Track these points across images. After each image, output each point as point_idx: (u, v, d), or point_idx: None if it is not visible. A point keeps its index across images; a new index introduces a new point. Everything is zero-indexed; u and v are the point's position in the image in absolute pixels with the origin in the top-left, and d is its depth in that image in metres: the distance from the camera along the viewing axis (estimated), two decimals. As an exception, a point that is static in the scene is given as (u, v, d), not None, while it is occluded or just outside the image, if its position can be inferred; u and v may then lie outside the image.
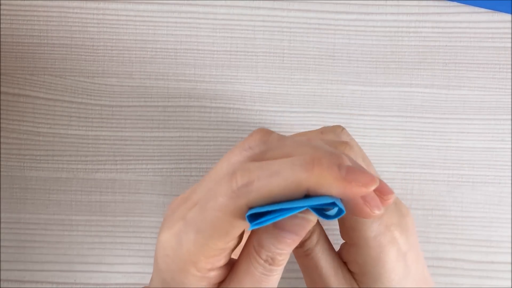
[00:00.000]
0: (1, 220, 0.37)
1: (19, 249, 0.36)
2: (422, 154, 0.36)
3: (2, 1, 0.37)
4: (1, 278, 0.36)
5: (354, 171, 0.19)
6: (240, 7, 0.37)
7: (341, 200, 0.20)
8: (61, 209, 0.37)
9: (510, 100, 0.37)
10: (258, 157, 0.21)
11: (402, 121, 0.37)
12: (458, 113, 0.37)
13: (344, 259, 0.26)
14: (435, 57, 0.37)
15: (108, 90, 0.37)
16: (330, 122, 0.37)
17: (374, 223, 0.24)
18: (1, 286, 0.36)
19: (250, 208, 0.20)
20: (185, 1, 0.37)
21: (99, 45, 0.37)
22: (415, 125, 0.37)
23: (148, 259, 0.37)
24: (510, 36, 0.37)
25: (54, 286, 0.36)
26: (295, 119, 0.36)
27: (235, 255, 0.23)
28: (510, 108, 0.37)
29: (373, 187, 0.19)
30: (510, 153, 0.36)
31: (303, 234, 0.21)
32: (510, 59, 0.37)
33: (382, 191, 0.21)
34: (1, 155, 0.37)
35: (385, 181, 0.23)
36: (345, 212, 0.20)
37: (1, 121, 0.37)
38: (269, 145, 0.21)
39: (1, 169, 0.37)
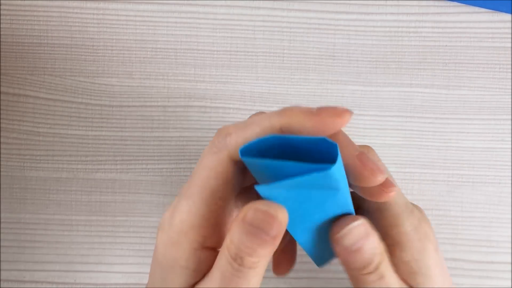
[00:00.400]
0: (1, 220, 0.37)
1: (19, 249, 0.36)
2: (422, 154, 0.36)
3: (2, 1, 0.37)
4: (1, 278, 0.36)
5: (325, 107, 0.20)
6: (240, 7, 0.37)
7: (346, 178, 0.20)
8: (61, 209, 0.37)
9: (510, 100, 0.37)
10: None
11: (402, 121, 0.37)
12: (458, 113, 0.37)
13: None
14: (435, 57, 0.37)
15: (108, 90, 0.37)
16: (330, 122, 0.37)
17: (409, 217, 0.23)
18: (1, 286, 0.36)
19: (233, 159, 0.21)
20: (185, 1, 0.37)
21: (99, 45, 0.37)
22: (415, 125, 0.37)
23: (148, 259, 0.37)
24: (510, 36, 0.37)
25: (54, 286, 0.36)
26: (295, 119, 0.36)
27: None
28: (510, 108, 0.37)
29: (347, 117, 0.20)
30: (510, 153, 0.36)
31: (270, 232, 0.19)
32: (510, 59, 0.37)
33: (384, 184, 0.21)
34: (1, 155, 0.37)
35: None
36: (340, 158, 0.19)
37: (1, 121, 0.37)
38: (230, 130, 0.22)
39: (1, 169, 0.37)
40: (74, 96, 0.37)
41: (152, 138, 0.37)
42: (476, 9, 0.37)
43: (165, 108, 0.37)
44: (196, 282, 0.21)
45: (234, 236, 0.19)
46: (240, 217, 0.19)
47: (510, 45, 0.37)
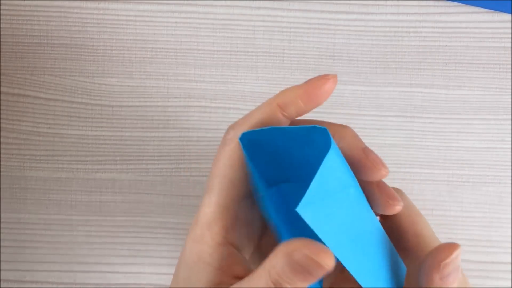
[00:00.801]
0: (1, 220, 0.37)
1: (19, 249, 0.36)
2: (422, 154, 0.36)
3: (2, 1, 0.37)
4: (1, 278, 0.36)
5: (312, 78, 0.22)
6: (240, 7, 0.37)
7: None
8: (61, 209, 0.37)
9: (510, 100, 0.37)
10: None
11: (402, 121, 0.37)
12: (458, 113, 0.37)
13: None
14: (435, 57, 0.37)
15: (108, 90, 0.37)
16: (330, 122, 0.37)
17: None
18: (1, 286, 0.36)
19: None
20: (185, 1, 0.37)
21: (99, 45, 0.37)
22: (415, 125, 0.37)
23: (148, 259, 0.37)
24: (510, 36, 0.37)
25: (54, 286, 0.36)
26: (295, 119, 0.36)
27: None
28: (510, 108, 0.37)
29: (331, 79, 0.21)
30: (510, 153, 0.36)
31: (315, 274, 0.18)
32: (510, 59, 0.37)
33: (389, 195, 0.22)
34: (1, 155, 0.37)
35: (385, 181, 0.23)
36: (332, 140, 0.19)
37: (1, 121, 0.37)
38: (237, 121, 0.23)
39: (1, 169, 0.37)
40: (74, 96, 0.37)
41: (152, 138, 0.37)
42: (476, 9, 0.37)
43: (165, 108, 0.37)
44: (221, 281, 0.21)
45: (277, 263, 0.19)
46: (286, 251, 0.18)
47: (510, 45, 0.37)
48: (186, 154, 0.37)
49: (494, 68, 0.37)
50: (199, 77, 0.37)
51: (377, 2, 0.37)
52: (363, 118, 0.37)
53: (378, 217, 0.23)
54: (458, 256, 0.20)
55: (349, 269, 0.19)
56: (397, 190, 0.24)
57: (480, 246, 0.36)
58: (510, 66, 0.37)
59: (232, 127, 0.23)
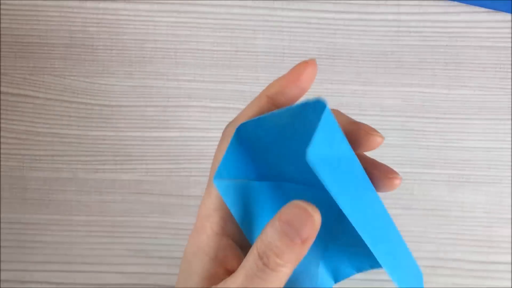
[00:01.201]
0: (1, 220, 0.37)
1: (19, 249, 0.36)
2: (422, 154, 0.36)
3: (2, 1, 0.37)
4: (1, 278, 0.36)
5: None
6: (240, 7, 0.37)
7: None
8: (61, 209, 0.37)
9: (510, 100, 0.37)
10: None
11: (402, 121, 0.37)
12: (459, 113, 0.37)
13: None
14: (436, 57, 0.37)
15: (108, 90, 0.37)
16: (330, 122, 0.37)
17: None
18: (1, 286, 0.36)
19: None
20: (185, 1, 0.37)
21: (99, 45, 0.37)
22: (415, 125, 0.37)
23: (148, 259, 0.36)
24: (510, 36, 0.37)
25: (54, 286, 0.36)
26: (295, 119, 0.36)
27: None
28: (510, 108, 0.37)
29: (312, 65, 0.22)
30: (510, 153, 0.36)
31: (303, 233, 0.18)
32: (510, 59, 0.37)
33: (387, 171, 0.23)
34: (1, 155, 0.37)
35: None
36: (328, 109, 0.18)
37: (1, 121, 0.37)
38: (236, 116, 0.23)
39: (1, 169, 0.37)
40: (74, 96, 0.37)
41: (152, 138, 0.37)
42: (476, 8, 0.37)
43: (165, 108, 0.37)
44: (216, 273, 0.21)
45: (265, 233, 0.19)
46: (277, 215, 0.19)
47: (510, 45, 0.37)
48: (186, 154, 0.37)
49: (495, 68, 0.37)
50: (199, 77, 0.37)
51: (377, 2, 0.37)
52: (363, 118, 0.37)
53: None
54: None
55: (353, 222, 0.19)
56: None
57: (480, 246, 0.36)
58: (510, 66, 0.37)
59: (230, 123, 0.23)
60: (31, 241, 0.36)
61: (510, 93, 0.37)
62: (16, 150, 0.37)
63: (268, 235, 0.19)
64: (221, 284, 0.21)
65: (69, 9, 0.37)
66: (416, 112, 0.37)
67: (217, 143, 0.38)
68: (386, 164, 0.23)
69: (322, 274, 0.23)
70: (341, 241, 0.23)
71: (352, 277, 0.26)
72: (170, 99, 0.37)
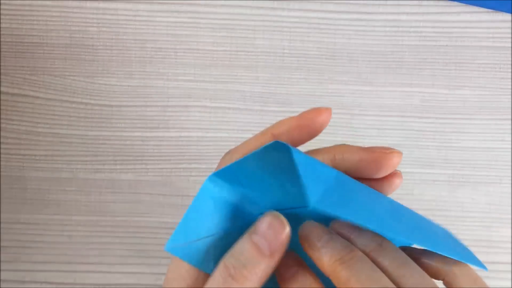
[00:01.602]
0: (1, 220, 0.37)
1: (19, 249, 0.36)
2: (422, 154, 0.36)
3: (2, 1, 0.37)
4: (1, 278, 0.36)
5: (310, 109, 0.23)
6: (240, 7, 0.37)
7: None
8: (61, 209, 0.37)
9: (510, 100, 0.37)
10: None
11: (402, 121, 0.37)
12: (459, 113, 0.37)
13: None
14: (436, 57, 0.37)
15: (108, 90, 0.37)
16: (330, 122, 0.36)
17: None
18: (1, 286, 0.36)
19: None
20: (185, 1, 0.37)
21: (99, 45, 0.37)
22: (415, 125, 0.37)
23: (148, 259, 0.36)
24: (510, 36, 0.37)
25: (54, 286, 0.36)
26: (295, 119, 0.36)
27: None
28: (510, 108, 0.37)
29: (325, 114, 0.22)
30: (510, 153, 0.36)
31: (275, 243, 0.18)
32: (510, 59, 0.37)
33: (383, 149, 0.23)
34: (1, 155, 0.37)
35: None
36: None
37: (1, 121, 0.37)
38: (232, 149, 0.23)
39: (1, 169, 0.37)
40: (74, 96, 0.37)
41: (152, 138, 0.37)
42: (476, 9, 0.37)
43: (165, 108, 0.37)
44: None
45: (235, 246, 0.19)
46: (250, 229, 0.19)
47: (510, 45, 0.37)
48: (186, 154, 0.37)
49: (495, 68, 0.37)
50: (199, 77, 0.37)
51: (377, 2, 0.37)
52: (363, 118, 0.37)
53: None
54: None
55: (388, 233, 0.19)
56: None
57: (480, 246, 0.36)
58: (510, 66, 0.37)
59: (228, 152, 0.23)
60: (31, 241, 0.36)
61: (510, 93, 0.37)
62: (16, 150, 0.37)
63: (238, 247, 0.19)
64: None
65: (69, 9, 0.37)
66: (416, 112, 0.37)
67: (217, 143, 0.38)
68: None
69: None
70: None
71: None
72: (170, 99, 0.37)
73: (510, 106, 0.37)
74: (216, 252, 0.21)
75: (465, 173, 0.36)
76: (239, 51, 0.37)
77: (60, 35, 0.37)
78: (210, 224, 0.22)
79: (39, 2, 0.37)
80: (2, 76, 0.37)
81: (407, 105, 0.37)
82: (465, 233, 0.36)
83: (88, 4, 0.37)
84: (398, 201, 0.25)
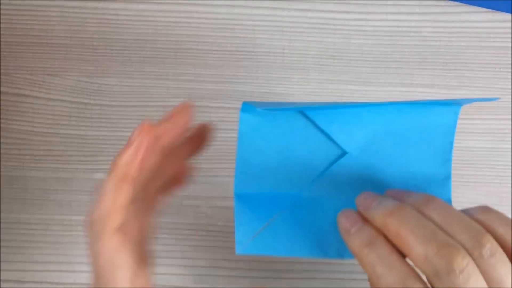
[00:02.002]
0: (1, 220, 0.37)
1: (19, 249, 0.36)
2: (422, 154, 0.36)
3: (2, 1, 0.37)
4: (1, 278, 0.36)
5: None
6: (240, 7, 0.37)
7: None
8: (61, 209, 0.37)
9: (510, 100, 0.37)
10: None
11: (402, 121, 0.37)
12: (458, 113, 0.37)
13: None
14: (436, 57, 0.37)
15: (108, 90, 0.37)
16: (330, 122, 0.37)
17: None
18: (1, 286, 0.36)
19: None
20: (185, 1, 0.37)
21: (99, 45, 0.37)
22: (415, 125, 0.37)
23: (148, 259, 0.36)
24: (510, 36, 0.37)
25: (54, 286, 0.36)
26: (295, 119, 0.36)
27: None
28: (510, 108, 0.37)
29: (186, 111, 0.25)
30: (510, 153, 0.36)
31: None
32: (510, 59, 0.37)
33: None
34: (1, 155, 0.37)
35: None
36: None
37: (1, 121, 0.37)
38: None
39: (1, 169, 0.37)
40: (74, 96, 0.37)
41: (152, 138, 0.37)
42: (477, 8, 0.37)
43: (165, 108, 0.37)
44: None
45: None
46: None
47: (510, 45, 0.37)
48: (186, 154, 0.37)
49: (495, 68, 0.37)
50: (199, 77, 0.37)
51: (377, 2, 0.37)
52: (363, 118, 0.37)
53: None
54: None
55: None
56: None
57: (480, 246, 0.36)
58: (510, 66, 0.37)
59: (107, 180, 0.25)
60: (31, 241, 0.36)
61: (510, 93, 0.37)
62: (16, 150, 0.37)
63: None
64: None
65: (69, 9, 0.37)
66: (416, 112, 0.37)
67: (217, 143, 0.38)
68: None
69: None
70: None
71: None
72: (170, 99, 0.37)
73: (510, 106, 0.37)
74: (287, 231, 0.25)
75: (465, 173, 0.36)
76: (239, 51, 0.37)
77: (60, 35, 0.37)
78: (263, 208, 0.25)
79: (39, 2, 0.37)
80: (2, 76, 0.37)
81: (407, 105, 0.37)
82: (465, 233, 0.36)
83: (88, 4, 0.37)
84: None
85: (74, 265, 0.36)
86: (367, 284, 0.32)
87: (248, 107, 0.24)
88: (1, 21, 0.37)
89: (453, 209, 0.22)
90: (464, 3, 0.37)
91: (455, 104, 0.25)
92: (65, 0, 0.37)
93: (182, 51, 0.37)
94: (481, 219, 0.22)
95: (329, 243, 0.24)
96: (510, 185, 0.36)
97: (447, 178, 0.28)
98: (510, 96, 0.37)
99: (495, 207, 0.38)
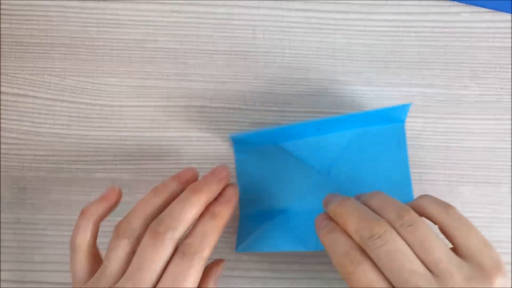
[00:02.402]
0: (1, 220, 0.37)
1: (19, 249, 0.36)
2: (422, 154, 0.36)
3: (2, 1, 0.37)
4: (1, 278, 0.36)
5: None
6: (240, 7, 0.37)
7: None
8: (61, 209, 0.37)
9: (510, 100, 0.37)
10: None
11: (402, 121, 0.37)
12: (458, 113, 0.37)
13: None
14: (435, 57, 0.37)
15: (108, 90, 0.37)
16: (330, 122, 0.37)
17: None
18: (1, 286, 0.36)
19: None
20: (185, 1, 0.37)
21: (99, 45, 0.37)
22: (415, 125, 0.37)
23: (148, 259, 0.36)
24: (510, 36, 0.37)
25: (54, 286, 0.36)
26: (295, 119, 0.36)
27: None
28: (510, 108, 0.37)
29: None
30: (510, 153, 0.36)
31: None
32: (510, 59, 0.37)
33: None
34: (1, 155, 0.37)
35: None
36: None
37: (1, 121, 0.37)
38: None
39: (1, 169, 0.37)
40: (74, 96, 0.37)
41: (152, 138, 0.37)
42: (477, 9, 0.37)
43: (165, 108, 0.37)
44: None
45: None
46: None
47: (510, 45, 0.37)
48: (186, 154, 0.37)
49: (495, 68, 0.37)
50: (199, 77, 0.37)
51: (377, 2, 0.37)
52: (363, 118, 0.37)
53: None
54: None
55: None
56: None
57: (480, 246, 0.36)
58: (510, 66, 0.37)
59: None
60: (31, 241, 0.36)
61: (510, 93, 0.37)
62: (16, 150, 0.37)
63: None
64: None
65: (69, 9, 0.37)
66: (416, 112, 0.37)
67: (217, 143, 0.38)
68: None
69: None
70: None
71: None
72: (170, 99, 0.37)
73: (510, 106, 0.37)
74: (278, 233, 0.32)
75: (465, 173, 0.36)
76: (239, 51, 0.37)
77: (60, 35, 0.37)
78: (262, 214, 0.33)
79: (39, 2, 0.37)
80: (2, 76, 0.37)
81: (407, 105, 0.37)
82: (465, 233, 0.36)
83: (88, 4, 0.37)
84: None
85: (74, 265, 0.36)
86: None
87: (238, 147, 0.32)
88: (1, 21, 0.37)
89: (390, 197, 0.28)
90: (464, 3, 0.37)
91: (397, 120, 0.33)
92: (65, 0, 0.37)
93: (182, 51, 0.37)
94: (416, 203, 0.28)
95: (309, 240, 0.31)
96: (510, 185, 0.36)
97: (407, 182, 0.34)
98: (510, 96, 0.37)
99: (495, 207, 0.38)
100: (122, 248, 0.27)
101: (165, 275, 0.26)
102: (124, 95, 0.37)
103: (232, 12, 0.37)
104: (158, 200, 0.29)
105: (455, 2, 0.37)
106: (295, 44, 0.37)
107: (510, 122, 0.36)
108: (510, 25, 0.37)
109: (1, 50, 0.37)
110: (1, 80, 0.37)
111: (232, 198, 0.29)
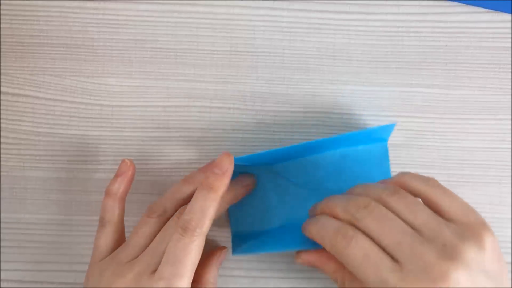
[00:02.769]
0: (1, 220, 0.37)
1: (19, 249, 0.36)
2: (422, 154, 0.36)
3: (2, 1, 0.37)
4: (1, 278, 0.36)
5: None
6: (240, 7, 0.37)
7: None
8: (61, 209, 0.37)
9: (510, 100, 0.37)
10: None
11: (402, 121, 0.37)
12: (458, 113, 0.37)
13: None
14: (435, 57, 0.37)
15: (108, 90, 0.37)
16: (330, 122, 0.37)
17: None
18: (1, 286, 0.36)
19: None
20: (185, 1, 0.37)
21: (99, 45, 0.37)
22: (415, 125, 0.37)
23: (148, 259, 0.36)
24: (510, 36, 0.37)
25: (54, 286, 0.36)
26: (295, 119, 0.36)
27: None
28: (510, 108, 0.37)
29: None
30: (510, 153, 0.36)
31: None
32: (510, 59, 0.37)
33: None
34: (1, 155, 0.37)
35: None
36: None
37: (1, 121, 0.37)
38: None
39: (1, 169, 0.37)
40: (74, 96, 0.37)
41: (152, 138, 0.37)
42: (476, 9, 0.37)
43: (165, 108, 0.37)
44: None
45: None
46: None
47: (510, 45, 0.37)
48: (186, 154, 0.37)
49: (494, 68, 0.37)
50: (199, 77, 0.37)
51: (377, 2, 0.37)
52: (363, 118, 0.37)
53: None
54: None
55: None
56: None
57: (480, 246, 0.36)
58: (510, 66, 0.37)
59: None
60: (31, 241, 0.37)
61: (510, 93, 0.37)
62: (16, 150, 0.37)
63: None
64: None
65: (69, 9, 0.37)
66: (416, 112, 0.37)
67: (217, 143, 0.38)
68: None
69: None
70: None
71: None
72: (170, 99, 0.37)
73: (510, 106, 0.37)
74: (271, 237, 0.34)
75: (465, 173, 0.36)
76: (239, 51, 0.37)
77: (60, 35, 0.37)
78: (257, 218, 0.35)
79: (39, 2, 0.37)
80: (2, 76, 0.37)
81: (407, 105, 0.37)
82: (465, 233, 0.36)
83: (88, 4, 0.37)
84: None
85: (74, 265, 0.36)
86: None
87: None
88: (1, 21, 0.37)
89: (373, 184, 0.29)
90: (464, 3, 0.37)
91: (381, 140, 0.34)
92: (65, 0, 0.37)
93: (182, 51, 0.37)
94: (397, 180, 0.29)
95: (305, 241, 0.31)
96: (510, 185, 0.36)
97: None
98: (510, 96, 0.37)
99: (495, 207, 0.38)
100: (150, 225, 0.30)
101: (168, 251, 0.27)
102: (124, 95, 0.37)
103: (232, 12, 0.37)
104: (187, 189, 0.32)
105: (455, 2, 0.37)
106: (295, 44, 0.37)
107: (510, 122, 0.36)
108: (509, 25, 0.37)
109: (1, 50, 0.37)
110: (1, 80, 0.37)
111: (227, 168, 0.29)
